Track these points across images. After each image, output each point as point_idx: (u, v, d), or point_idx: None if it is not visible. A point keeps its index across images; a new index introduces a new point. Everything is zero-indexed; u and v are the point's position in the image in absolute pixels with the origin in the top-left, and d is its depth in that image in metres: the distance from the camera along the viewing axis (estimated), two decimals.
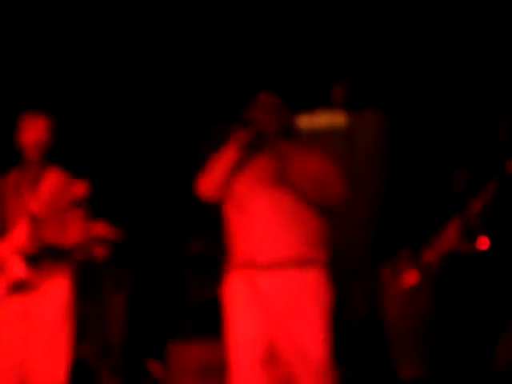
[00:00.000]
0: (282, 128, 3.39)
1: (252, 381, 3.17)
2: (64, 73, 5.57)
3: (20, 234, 3.59)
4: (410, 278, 4.74)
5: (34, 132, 3.64)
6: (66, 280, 3.69)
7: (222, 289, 3.33)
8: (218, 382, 3.75)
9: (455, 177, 5.05)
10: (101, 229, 4.51)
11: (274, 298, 3.14)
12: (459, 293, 4.71)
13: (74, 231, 3.70)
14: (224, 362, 3.26)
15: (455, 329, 4.76)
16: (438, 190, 5.44)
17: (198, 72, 5.93)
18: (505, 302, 4.63)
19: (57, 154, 3.77)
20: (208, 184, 3.38)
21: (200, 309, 4.83)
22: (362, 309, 5.79)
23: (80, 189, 3.59)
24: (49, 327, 3.57)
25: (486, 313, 4.60)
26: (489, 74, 5.58)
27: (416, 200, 5.66)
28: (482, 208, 4.17)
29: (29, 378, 3.55)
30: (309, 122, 6.57)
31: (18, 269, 3.56)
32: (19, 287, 3.56)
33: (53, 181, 3.71)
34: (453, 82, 5.75)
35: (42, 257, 3.60)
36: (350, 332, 5.63)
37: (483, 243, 4.45)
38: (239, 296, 3.23)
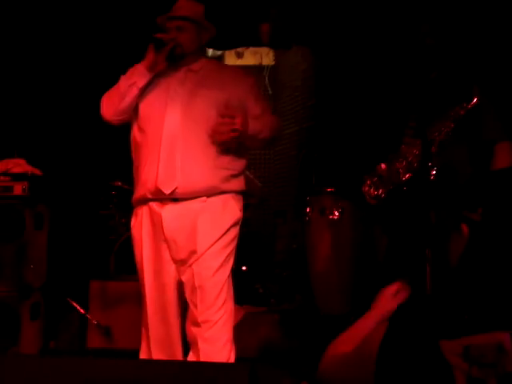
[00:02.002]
0: (198, 44, 3.26)
1: (160, 303, 3.17)
2: None
3: None
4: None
5: None
6: None
7: (131, 220, 3.30)
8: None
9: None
10: (18, 164, 4.38)
11: (174, 227, 3.12)
12: (387, 227, 4.73)
13: None
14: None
15: (378, 266, 4.81)
16: (365, 129, 5.46)
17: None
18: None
19: None
20: (113, 108, 3.21)
21: (121, 246, 4.78)
22: (287, 248, 5.82)
23: None
24: None
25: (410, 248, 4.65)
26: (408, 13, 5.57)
27: (342, 138, 5.68)
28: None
29: None
30: (236, 60, 6.51)
31: None
32: None
33: None
34: (378, 17, 5.74)
35: None
36: (274, 270, 5.66)
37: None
38: (143, 227, 3.18)
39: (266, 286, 5.34)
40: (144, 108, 3.21)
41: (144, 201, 3.20)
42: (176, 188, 3.08)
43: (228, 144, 3.12)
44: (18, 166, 4.41)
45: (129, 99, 3.16)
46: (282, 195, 6.47)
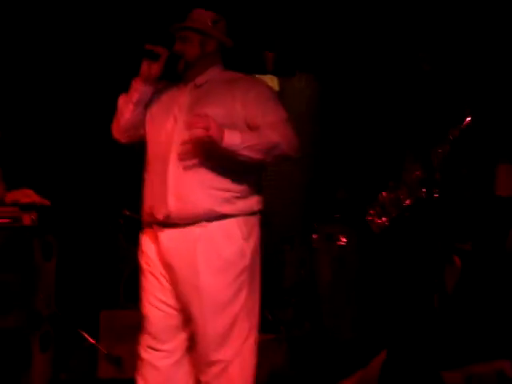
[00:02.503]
0: (203, 55, 3.03)
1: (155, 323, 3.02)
2: None
3: None
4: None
5: None
6: None
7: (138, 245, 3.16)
8: None
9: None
10: (26, 194, 4.40)
11: (172, 252, 2.95)
12: (392, 254, 4.74)
13: None
14: None
15: (385, 290, 4.81)
16: (368, 155, 5.48)
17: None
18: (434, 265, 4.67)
19: None
20: (117, 126, 3.10)
21: (131, 274, 4.77)
22: (295, 274, 5.81)
23: None
24: None
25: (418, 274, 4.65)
26: (407, 39, 5.61)
27: (348, 164, 5.70)
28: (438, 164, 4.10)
29: None
30: None
31: None
32: None
33: None
34: (378, 46, 5.80)
35: None
36: (283, 297, 5.64)
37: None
38: (145, 250, 3.07)
39: (275, 312, 5.32)
40: (147, 127, 3.10)
41: (146, 223, 3.08)
42: (169, 213, 2.91)
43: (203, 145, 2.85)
44: (27, 196, 4.42)
45: (127, 115, 3.04)
46: (288, 221, 6.46)
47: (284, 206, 6.32)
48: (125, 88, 3.14)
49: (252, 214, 3.06)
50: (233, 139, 2.80)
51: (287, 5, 5.80)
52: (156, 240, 3.02)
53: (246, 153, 2.83)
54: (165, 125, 3.00)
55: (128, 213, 4.95)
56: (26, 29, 5.37)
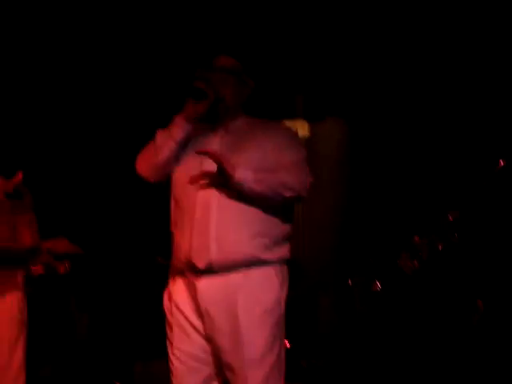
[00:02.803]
0: (239, 100, 2.98)
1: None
2: None
3: None
4: None
5: None
6: (17, 290, 3.52)
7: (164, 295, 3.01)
8: None
9: None
10: (61, 244, 4.42)
11: (210, 300, 2.85)
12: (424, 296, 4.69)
13: (25, 236, 3.56)
14: None
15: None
16: (400, 199, 5.46)
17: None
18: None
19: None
20: (150, 163, 2.98)
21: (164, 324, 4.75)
22: (331, 319, 5.75)
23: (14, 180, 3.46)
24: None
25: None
26: (442, 82, 5.63)
27: (378, 207, 5.68)
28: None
29: None
30: None
31: None
32: None
33: None
34: (408, 90, 5.81)
35: None
36: (318, 344, 5.58)
37: None
38: (174, 297, 2.94)
39: (311, 361, 5.25)
40: (178, 171, 2.98)
41: (178, 271, 2.94)
42: (211, 261, 2.82)
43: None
44: (61, 245, 4.44)
45: (166, 152, 2.93)
46: (322, 266, 6.43)
47: (317, 251, 6.30)
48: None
49: (285, 261, 3.00)
50: (245, 172, 2.79)
51: (317, 50, 5.84)
52: (189, 288, 2.93)
53: (257, 187, 2.80)
54: (196, 169, 2.91)
55: (160, 260, 4.93)
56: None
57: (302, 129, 6.53)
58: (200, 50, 5.24)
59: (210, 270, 2.83)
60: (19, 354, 3.46)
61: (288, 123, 6.61)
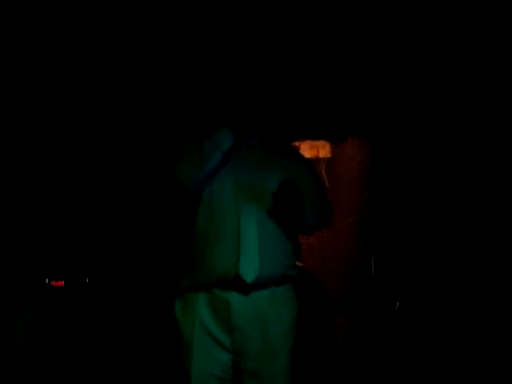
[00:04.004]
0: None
1: None
2: None
3: None
4: None
5: None
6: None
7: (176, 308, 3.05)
8: None
9: None
10: None
11: (244, 315, 2.93)
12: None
13: None
14: None
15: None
16: (424, 220, 5.47)
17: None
18: None
19: None
20: (190, 172, 2.88)
21: None
22: (348, 339, 5.77)
23: None
24: None
25: None
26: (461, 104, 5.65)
27: (402, 228, 5.69)
28: None
29: None
30: None
31: None
32: None
33: None
34: (433, 111, 5.83)
35: None
36: (335, 362, 5.60)
37: None
38: (197, 314, 2.96)
39: (328, 378, 5.27)
40: (218, 184, 2.96)
41: (205, 287, 2.96)
42: (259, 275, 2.90)
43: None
44: None
45: (214, 162, 2.89)
46: (339, 285, 6.44)
47: (335, 271, 6.31)
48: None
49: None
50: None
51: (339, 71, 5.88)
52: (215, 303, 2.96)
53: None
54: (242, 182, 2.96)
55: None
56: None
57: (324, 149, 6.56)
58: (202, 53, 5.29)
59: (243, 285, 2.89)
60: None
61: (310, 143, 6.66)
